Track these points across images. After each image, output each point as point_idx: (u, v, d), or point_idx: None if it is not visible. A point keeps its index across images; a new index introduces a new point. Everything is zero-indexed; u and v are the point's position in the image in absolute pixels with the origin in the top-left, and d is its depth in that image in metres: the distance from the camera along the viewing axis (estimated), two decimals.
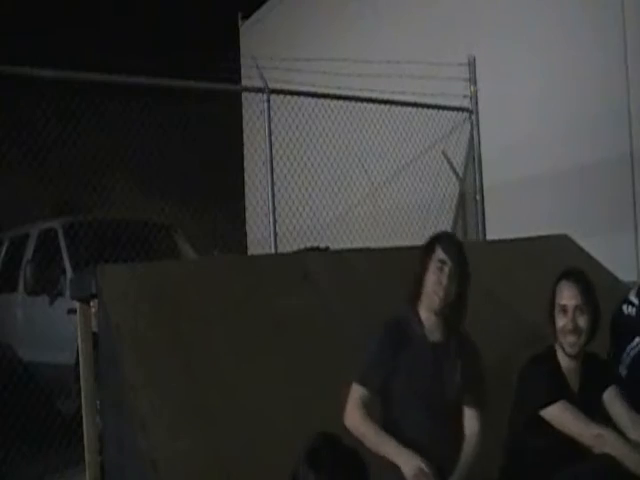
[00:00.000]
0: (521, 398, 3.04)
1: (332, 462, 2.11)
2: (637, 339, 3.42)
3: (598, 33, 5.96)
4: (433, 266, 2.88)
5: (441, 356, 2.87)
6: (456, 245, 2.96)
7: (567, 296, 3.00)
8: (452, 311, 2.92)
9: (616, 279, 4.82)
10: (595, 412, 2.96)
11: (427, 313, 2.91)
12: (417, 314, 2.92)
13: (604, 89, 5.91)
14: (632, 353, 3.39)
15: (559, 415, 2.89)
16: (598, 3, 5.98)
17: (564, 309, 2.99)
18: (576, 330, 2.96)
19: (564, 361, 3.02)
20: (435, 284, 2.86)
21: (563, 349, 3.00)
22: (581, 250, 5.02)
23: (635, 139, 5.72)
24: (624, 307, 3.55)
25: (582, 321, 2.97)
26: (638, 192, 5.71)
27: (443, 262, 2.87)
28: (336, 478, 2.08)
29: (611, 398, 3.02)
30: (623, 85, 5.77)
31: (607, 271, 4.89)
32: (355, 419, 2.77)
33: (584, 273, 3.10)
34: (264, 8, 10.97)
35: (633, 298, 3.56)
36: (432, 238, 2.99)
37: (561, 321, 2.99)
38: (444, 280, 2.85)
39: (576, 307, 2.98)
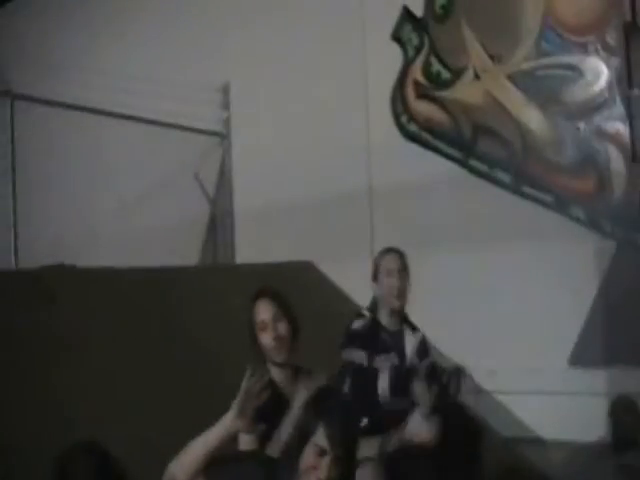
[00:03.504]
0: None
1: (82, 470, 2.05)
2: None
3: (341, 69, 6.36)
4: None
5: None
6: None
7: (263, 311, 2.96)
8: None
9: (354, 304, 5.13)
10: None
11: None
12: None
13: (347, 123, 6.33)
14: None
15: None
16: (340, 42, 6.38)
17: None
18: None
19: (273, 370, 2.92)
20: None
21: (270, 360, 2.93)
22: (323, 277, 5.34)
23: (374, 172, 6.15)
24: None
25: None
26: (375, 223, 6.15)
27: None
28: None
29: None
30: (364, 119, 6.23)
31: (346, 297, 5.22)
32: None
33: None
34: (12, 3, 10.19)
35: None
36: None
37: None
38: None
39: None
